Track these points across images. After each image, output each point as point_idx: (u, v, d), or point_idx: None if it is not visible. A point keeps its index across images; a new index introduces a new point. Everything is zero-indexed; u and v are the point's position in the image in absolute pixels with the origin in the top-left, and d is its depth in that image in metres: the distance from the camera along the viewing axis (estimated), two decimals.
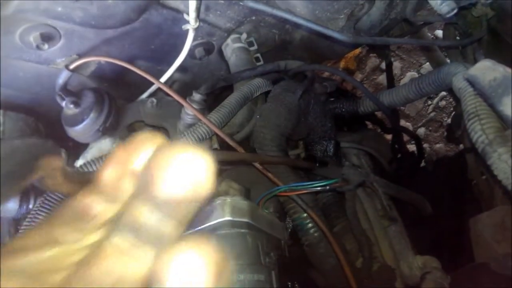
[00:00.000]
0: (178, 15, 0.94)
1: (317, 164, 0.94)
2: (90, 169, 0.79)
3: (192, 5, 0.84)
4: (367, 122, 1.43)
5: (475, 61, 1.05)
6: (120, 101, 0.99)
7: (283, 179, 0.85)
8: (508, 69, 0.72)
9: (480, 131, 0.70)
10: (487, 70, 0.72)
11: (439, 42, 1.57)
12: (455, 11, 0.89)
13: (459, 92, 0.80)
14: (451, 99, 2.33)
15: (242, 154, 0.84)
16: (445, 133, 2.13)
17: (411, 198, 1.04)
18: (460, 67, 0.84)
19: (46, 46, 0.86)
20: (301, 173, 0.97)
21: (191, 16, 0.87)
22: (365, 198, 0.99)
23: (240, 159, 0.83)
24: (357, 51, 2.53)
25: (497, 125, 0.70)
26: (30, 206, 0.85)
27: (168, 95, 0.90)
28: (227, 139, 0.85)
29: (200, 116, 0.85)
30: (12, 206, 0.84)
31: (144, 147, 0.31)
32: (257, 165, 0.85)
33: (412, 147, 1.55)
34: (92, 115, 0.91)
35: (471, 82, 0.75)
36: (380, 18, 1.09)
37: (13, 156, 0.66)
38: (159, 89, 1.04)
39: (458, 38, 1.20)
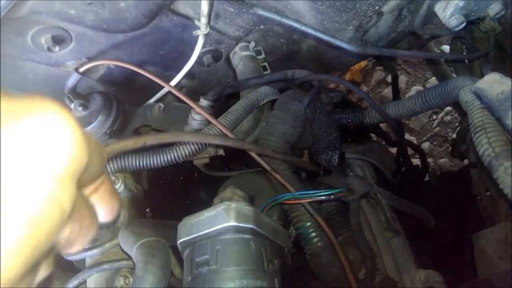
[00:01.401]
0: (188, 21, 0.95)
1: (322, 172, 0.94)
2: None
3: (203, 11, 0.85)
4: (372, 135, 1.44)
5: (482, 75, 1.05)
6: (128, 105, 1.00)
7: (289, 185, 0.85)
8: None
9: (487, 144, 0.70)
10: (494, 83, 0.72)
11: (446, 55, 1.58)
12: (463, 25, 0.90)
13: (466, 105, 0.80)
14: (456, 114, 2.33)
15: (242, 142, 0.84)
16: (450, 148, 2.13)
17: (414, 211, 1.04)
18: (468, 81, 0.84)
19: (57, 48, 0.87)
20: (306, 182, 0.97)
21: (202, 22, 0.88)
22: (368, 210, 0.99)
23: (240, 147, 0.82)
24: (363, 63, 2.54)
25: (503, 138, 0.70)
26: None
27: (177, 99, 0.90)
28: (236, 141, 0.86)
29: (211, 119, 0.85)
30: None
31: None
32: (266, 166, 0.85)
33: (416, 161, 1.55)
34: (100, 118, 0.91)
35: (478, 95, 0.76)
36: (387, 30, 1.10)
37: None
38: (166, 94, 1.05)
39: (464, 52, 1.21)
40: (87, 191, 0.40)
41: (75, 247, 0.37)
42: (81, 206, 0.36)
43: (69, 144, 0.31)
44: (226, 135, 0.86)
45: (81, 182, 0.35)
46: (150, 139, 0.50)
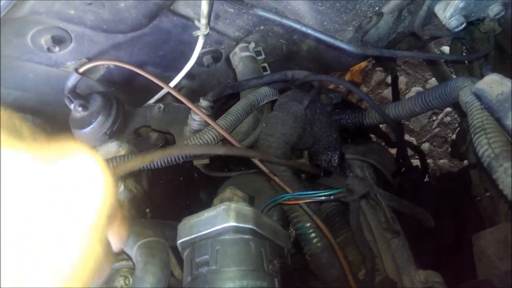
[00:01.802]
0: (188, 22, 0.95)
1: (322, 173, 0.94)
2: None
3: (203, 11, 0.85)
4: (372, 135, 1.44)
5: (481, 76, 1.05)
6: (128, 106, 1.00)
7: (289, 186, 0.86)
8: None
9: (486, 145, 0.70)
10: (494, 84, 0.72)
11: (446, 56, 1.58)
12: (463, 25, 0.90)
13: (466, 106, 0.80)
14: (455, 115, 2.33)
15: (246, 150, 0.84)
16: (450, 149, 2.13)
17: (414, 212, 1.04)
18: (467, 81, 0.84)
19: (57, 49, 0.87)
20: (306, 183, 0.97)
21: (202, 22, 0.88)
22: (368, 210, 0.99)
23: (244, 155, 0.83)
24: (363, 64, 2.55)
25: (503, 139, 0.70)
26: None
27: (176, 99, 0.90)
28: (235, 143, 0.86)
29: (209, 121, 0.85)
30: None
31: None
32: (264, 169, 0.85)
33: (416, 162, 1.55)
34: (99, 118, 0.91)
35: (478, 96, 0.76)
36: (387, 31, 1.10)
37: None
38: (166, 94, 1.05)
39: (464, 53, 1.21)
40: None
41: (98, 279, 0.36)
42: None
43: (103, 190, 0.30)
44: (230, 144, 0.86)
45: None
46: (157, 156, 0.50)
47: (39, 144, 0.29)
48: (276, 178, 0.85)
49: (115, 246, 0.42)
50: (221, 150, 0.78)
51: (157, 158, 0.49)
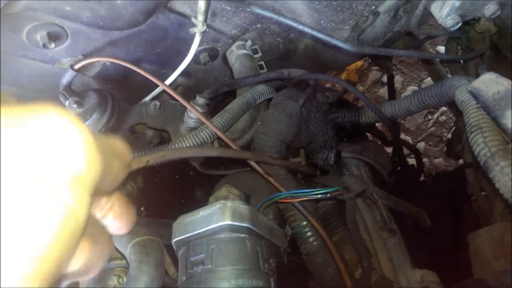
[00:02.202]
0: (184, 19, 0.95)
1: (318, 172, 0.94)
2: None
3: (201, 8, 0.84)
4: (368, 134, 1.44)
5: (477, 75, 1.05)
6: (123, 103, 0.99)
7: (284, 185, 0.85)
8: None
9: (483, 144, 0.70)
10: (490, 83, 0.72)
11: (442, 55, 1.58)
12: (459, 25, 0.90)
13: (462, 104, 0.80)
14: (451, 114, 2.34)
15: (240, 152, 0.84)
16: (445, 148, 2.14)
17: (410, 211, 1.04)
18: (463, 80, 0.85)
19: (52, 45, 0.86)
20: (302, 181, 0.96)
21: (199, 20, 0.88)
22: (364, 209, 0.99)
23: (239, 157, 0.82)
24: (359, 63, 2.55)
25: (499, 138, 0.70)
26: None
27: (172, 97, 0.90)
28: (229, 143, 0.85)
29: (203, 119, 0.85)
30: None
31: None
32: (259, 169, 0.85)
33: (411, 161, 1.56)
34: (94, 115, 0.91)
35: (474, 95, 0.76)
36: (384, 30, 1.10)
37: None
38: (162, 92, 1.04)
39: (460, 53, 1.21)
40: (104, 206, 0.38)
41: (93, 272, 0.35)
42: (96, 228, 0.35)
43: (81, 148, 0.29)
44: (226, 146, 0.86)
45: (101, 190, 0.33)
46: (147, 159, 0.50)
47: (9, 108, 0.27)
48: (271, 179, 0.85)
49: (123, 229, 0.41)
50: (215, 152, 0.77)
51: (147, 161, 0.49)
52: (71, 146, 0.28)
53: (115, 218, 0.40)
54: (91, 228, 0.35)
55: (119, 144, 0.35)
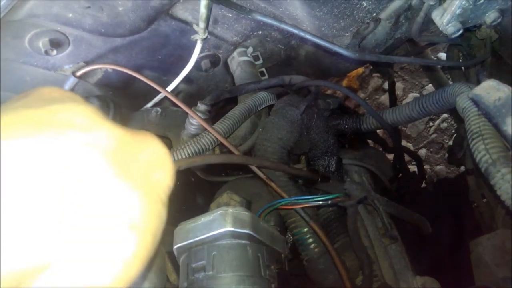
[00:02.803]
0: (186, 26, 0.95)
1: (320, 179, 0.94)
2: None
3: (202, 15, 0.85)
4: (369, 141, 1.44)
5: (478, 82, 1.06)
6: (125, 110, 1.00)
7: (285, 191, 0.85)
8: None
9: (484, 151, 0.70)
10: (491, 90, 0.72)
11: (443, 62, 1.58)
12: (460, 32, 0.90)
13: (463, 111, 0.80)
14: (452, 121, 2.34)
15: (240, 157, 0.84)
16: (446, 155, 2.13)
17: (411, 218, 1.03)
18: (464, 87, 0.85)
19: (54, 52, 0.87)
20: (303, 188, 0.96)
21: (200, 27, 0.88)
22: (366, 216, 0.99)
23: (238, 162, 0.82)
24: (360, 70, 2.55)
25: (500, 145, 0.70)
26: None
27: (174, 104, 0.90)
28: (232, 148, 0.85)
29: (205, 125, 0.85)
30: None
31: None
32: (260, 174, 0.85)
33: (413, 168, 1.55)
34: None
35: (475, 102, 0.76)
36: (385, 37, 1.10)
37: None
38: (163, 99, 1.05)
39: (461, 60, 1.21)
40: None
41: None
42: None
43: (169, 172, 0.37)
44: (226, 149, 0.86)
45: None
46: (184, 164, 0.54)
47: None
48: (272, 184, 0.85)
49: None
50: (220, 159, 0.78)
51: (179, 167, 0.54)
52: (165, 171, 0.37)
53: None
54: None
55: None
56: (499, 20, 0.95)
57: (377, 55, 1.06)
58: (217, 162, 0.74)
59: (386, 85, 2.49)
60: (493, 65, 1.15)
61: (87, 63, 0.92)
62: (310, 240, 0.86)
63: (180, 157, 0.85)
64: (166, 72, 1.07)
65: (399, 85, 2.53)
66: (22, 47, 0.84)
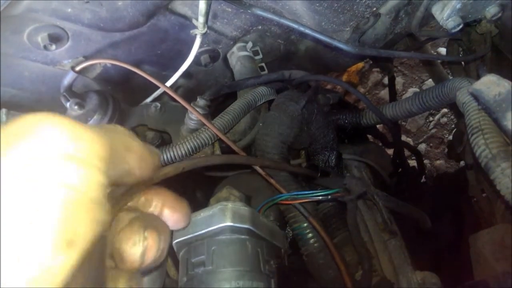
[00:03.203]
0: (185, 21, 0.95)
1: (319, 174, 0.94)
2: None
3: (201, 10, 0.85)
4: (369, 136, 1.44)
5: (478, 77, 1.05)
6: (124, 105, 0.99)
7: (285, 187, 0.85)
8: None
9: (484, 146, 0.70)
10: (492, 84, 0.72)
11: (443, 57, 1.58)
12: (460, 26, 0.90)
13: (463, 106, 0.80)
14: (452, 116, 2.34)
15: (242, 157, 0.84)
16: (446, 150, 2.14)
17: (411, 213, 1.03)
18: (464, 82, 0.85)
19: (53, 47, 0.86)
20: (303, 183, 0.96)
21: (200, 21, 0.88)
22: (365, 211, 0.99)
23: (241, 162, 0.82)
24: (360, 65, 2.55)
25: (500, 139, 0.70)
26: None
27: (173, 99, 0.90)
28: (231, 144, 0.85)
29: (204, 121, 0.85)
30: None
31: None
32: (259, 171, 0.85)
33: (412, 163, 1.56)
34: (96, 117, 0.91)
35: (476, 97, 0.76)
36: (385, 32, 1.10)
37: None
38: (163, 94, 1.05)
39: (461, 54, 1.21)
40: (156, 204, 0.42)
41: (158, 265, 0.39)
42: (159, 222, 0.38)
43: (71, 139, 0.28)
44: (227, 147, 0.86)
45: (121, 181, 0.35)
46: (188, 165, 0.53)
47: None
48: (272, 180, 0.85)
49: (181, 222, 0.43)
50: (222, 159, 0.77)
51: (183, 168, 0.52)
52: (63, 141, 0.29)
53: (172, 213, 0.42)
54: (155, 221, 0.39)
55: (127, 137, 0.35)
56: (499, 14, 0.94)
57: (377, 50, 1.06)
58: (221, 163, 0.73)
59: (386, 80, 2.49)
60: (493, 60, 1.15)
61: (86, 58, 0.92)
62: (310, 235, 0.86)
63: (179, 152, 0.85)
64: (165, 67, 1.06)
65: (399, 80, 2.52)
66: (21, 42, 0.84)
